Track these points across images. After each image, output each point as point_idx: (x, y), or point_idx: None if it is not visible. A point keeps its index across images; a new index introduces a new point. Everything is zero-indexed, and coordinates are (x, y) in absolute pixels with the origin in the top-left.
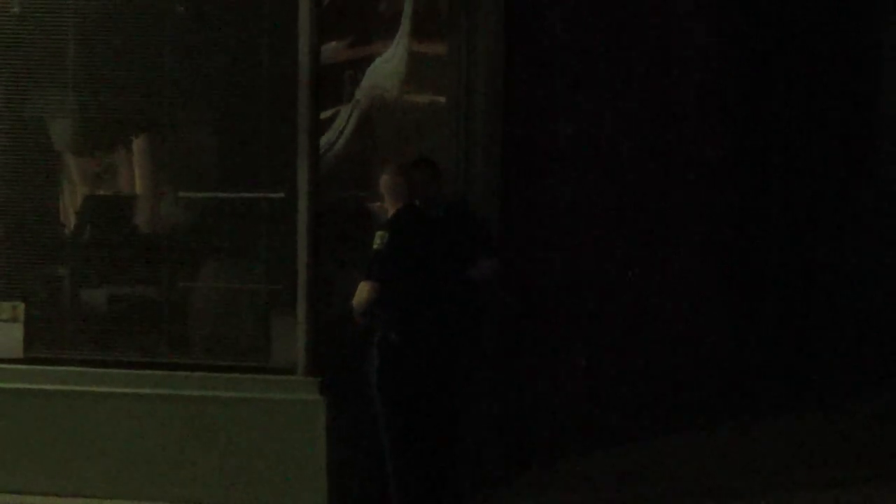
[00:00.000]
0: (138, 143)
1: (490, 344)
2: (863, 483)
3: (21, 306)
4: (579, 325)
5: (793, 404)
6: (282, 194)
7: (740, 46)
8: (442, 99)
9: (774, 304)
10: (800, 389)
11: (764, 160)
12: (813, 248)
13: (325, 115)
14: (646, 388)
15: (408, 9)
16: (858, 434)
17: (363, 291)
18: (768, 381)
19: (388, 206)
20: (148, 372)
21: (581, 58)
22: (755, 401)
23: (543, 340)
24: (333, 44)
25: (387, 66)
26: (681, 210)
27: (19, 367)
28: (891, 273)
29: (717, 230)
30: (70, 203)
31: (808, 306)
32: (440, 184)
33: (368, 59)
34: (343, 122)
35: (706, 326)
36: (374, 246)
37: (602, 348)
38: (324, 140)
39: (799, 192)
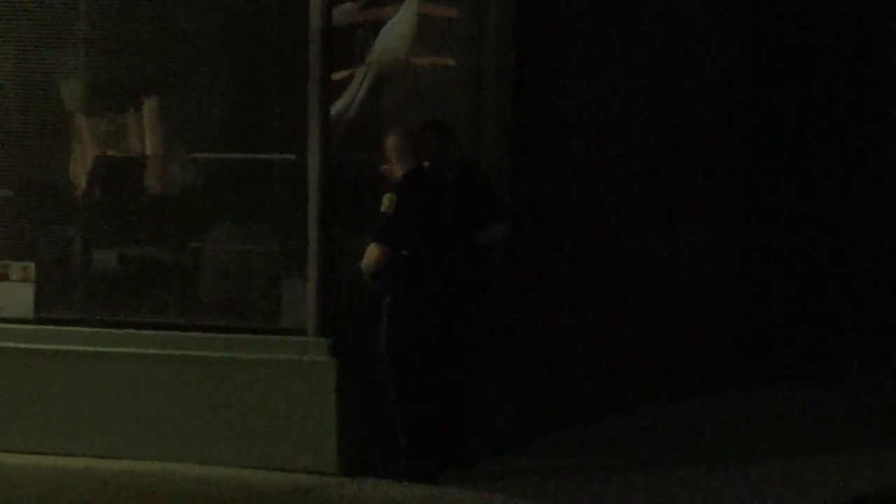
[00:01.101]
0: (149, 105)
1: (499, 308)
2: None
3: (32, 267)
4: (588, 291)
5: (793, 377)
6: (293, 156)
7: (750, 28)
8: (453, 62)
9: (780, 280)
10: (802, 363)
11: (773, 139)
12: (819, 226)
13: (337, 76)
14: (655, 356)
15: None
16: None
17: (371, 254)
18: (772, 355)
19: (394, 169)
20: (158, 333)
21: (595, 27)
22: (758, 373)
23: (551, 306)
24: (345, 5)
25: (397, 28)
26: (688, 184)
27: (30, 327)
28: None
29: (725, 205)
30: (81, 164)
31: (812, 285)
32: (451, 147)
33: (380, 22)
34: (357, 85)
35: (713, 298)
36: (382, 209)
37: (611, 316)
38: (338, 104)
39: (807, 173)
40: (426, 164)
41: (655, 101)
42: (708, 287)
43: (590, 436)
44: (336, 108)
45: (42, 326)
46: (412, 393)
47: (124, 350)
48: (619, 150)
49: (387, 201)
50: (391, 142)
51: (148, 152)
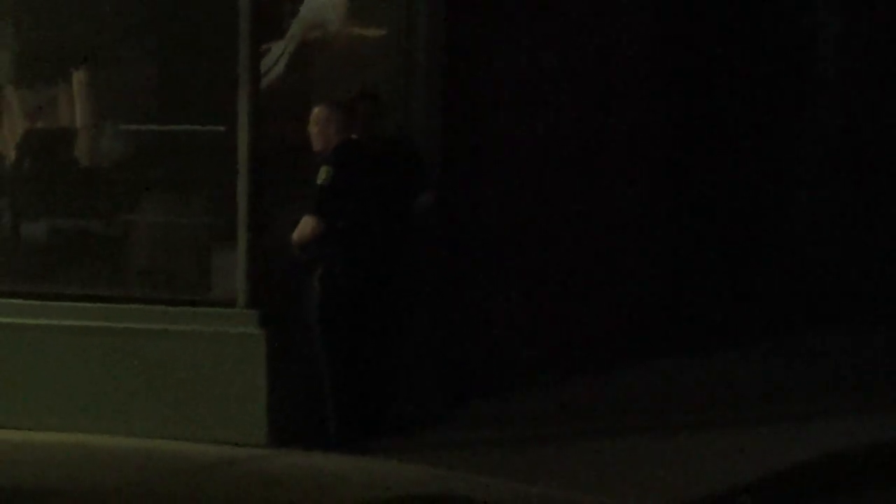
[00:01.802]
0: (78, 76)
1: (428, 278)
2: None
3: None
4: (518, 259)
5: (727, 342)
6: (223, 128)
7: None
8: (383, 31)
9: (713, 243)
10: (734, 328)
11: (701, 107)
12: (745, 193)
13: (266, 47)
14: (584, 323)
15: None
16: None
17: (306, 225)
18: (705, 320)
19: (321, 140)
20: (87, 305)
21: None
22: (692, 338)
23: (482, 275)
24: None
25: None
26: (621, 147)
27: None
28: (820, 216)
29: (658, 168)
30: (10, 136)
31: (746, 247)
32: (382, 118)
33: None
34: (277, 54)
35: (644, 266)
36: (319, 181)
37: (541, 283)
38: (266, 74)
39: (738, 134)
40: (356, 135)
41: (585, 70)
42: (638, 254)
43: (524, 405)
44: (264, 78)
45: None
46: (342, 362)
47: (52, 322)
48: (550, 118)
49: (323, 173)
50: (321, 113)
51: (77, 124)
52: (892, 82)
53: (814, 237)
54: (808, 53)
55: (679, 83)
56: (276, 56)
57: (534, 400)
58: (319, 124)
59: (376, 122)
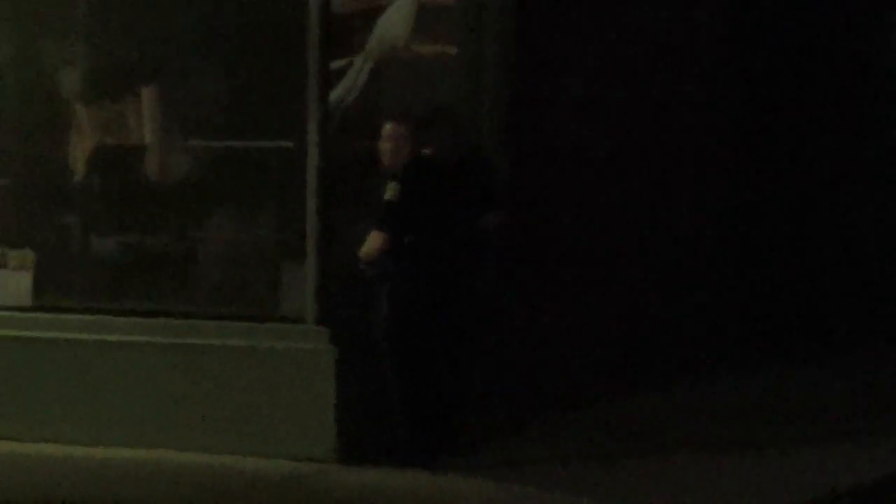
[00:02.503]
0: (148, 92)
1: (496, 293)
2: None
3: (30, 255)
4: (585, 271)
5: (789, 361)
6: (292, 144)
7: (747, 17)
8: (452, 49)
9: (772, 264)
10: (797, 346)
11: (767, 125)
12: (811, 210)
13: (336, 65)
14: (652, 335)
15: None
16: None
17: (374, 241)
18: (767, 339)
19: (391, 156)
20: (156, 320)
21: (595, 15)
22: (754, 357)
23: (550, 289)
24: None
25: (395, 16)
26: (688, 156)
27: (28, 315)
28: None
29: (725, 177)
30: (79, 152)
31: (805, 269)
32: (452, 135)
33: (379, 9)
34: (355, 72)
35: (712, 274)
36: (387, 197)
37: (609, 296)
38: (337, 91)
39: (801, 153)
40: (426, 151)
41: (652, 90)
42: (706, 264)
43: (588, 421)
44: (335, 95)
45: (40, 314)
46: (411, 379)
47: (122, 338)
48: (617, 130)
49: (391, 190)
50: (392, 129)
51: (146, 140)
52: None
53: (884, 245)
54: (877, 57)
55: (746, 90)
56: (347, 72)
57: (604, 414)
58: (390, 140)
59: (447, 138)
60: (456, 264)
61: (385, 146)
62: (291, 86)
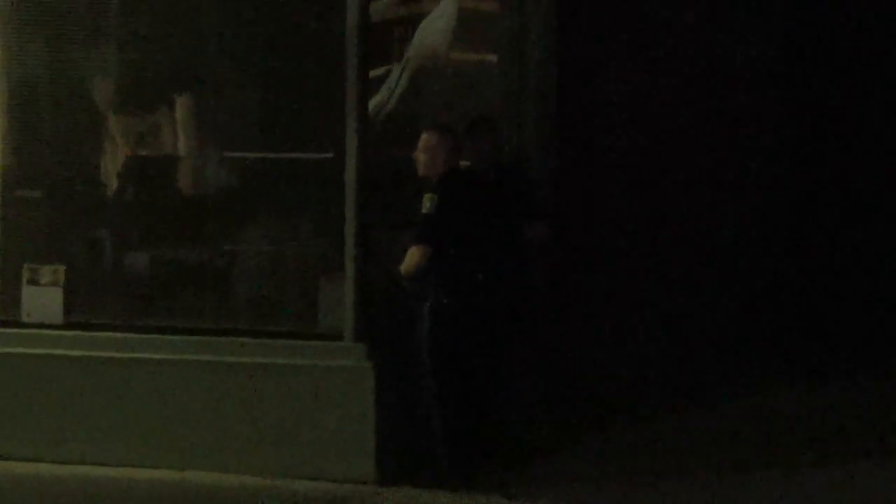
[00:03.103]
0: (182, 103)
1: (540, 306)
2: None
3: (61, 270)
4: (632, 281)
5: (851, 370)
6: (330, 154)
7: (798, 12)
8: (493, 57)
9: (828, 270)
10: (861, 354)
11: (819, 128)
12: (866, 214)
13: (375, 73)
14: (702, 345)
15: None
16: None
17: (413, 256)
18: (826, 348)
19: (429, 167)
20: (191, 338)
21: (638, 18)
22: (812, 367)
23: (595, 301)
24: (383, 0)
25: (437, 24)
26: (737, 159)
27: (59, 332)
28: None
29: (776, 180)
30: (112, 164)
31: (865, 274)
32: (495, 145)
33: (418, 17)
34: (394, 81)
35: (764, 280)
36: (424, 210)
37: (655, 306)
38: (376, 100)
39: (853, 160)
40: (466, 163)
41: (699, 92)
42: (757, 270)
43: (633, 436)
44: (374, 104)
45: (71, 332)
46: (454, 395)
47: (156, 356)
48: (664, 135)
49: (427, 202)
50: (430, 139)
51: (180, 152)
52: None
53: None
54: None
55: (796, 93)
56: (387, 81)
57: (650, 428)
58: (428, 150)
59: (490, 150)
60: (498, 278)
61: (421, 157)
62: (329, 95)
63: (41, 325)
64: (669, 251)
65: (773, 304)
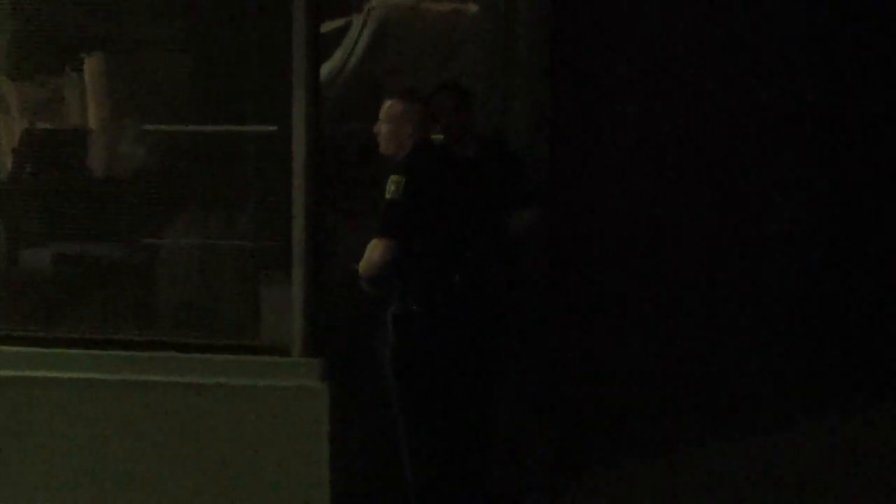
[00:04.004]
0: (92, 65)
1: (532, 315)
2: None
3: None
4: (641, 288)
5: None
6: (274, 127)
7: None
8: (474, 7)
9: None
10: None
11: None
12: None
13: (329, 27)
14: (722, 368)
15: None
16: None
17: (374, 252)
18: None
19: (393, 142)
20: (106, 352)
21: None
22: (863, 391)
23: (597, 310)
24: None
25: None
26: (764, 160)
27: None
28: None
29: (811, 169)
30: (5, 139)
31: None
32: (471, 116)
33: None
34: (354, 37)
35: (798, 290)
36: (388, 195)
37: (670, 320)
38: (331, 62)
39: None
40: (439, 136)
41: (723, 53)
42: (789, 278)
43: (653, 472)
44: (328, 66)
45: None
46: (425, 422)
47: (63, 375)
48: (681, 112)
49: (393, 185)
50: (394, 109)
51: (90, 124)
52: None
53: None
54: None
55: (832, 72)
56: (346, 39)
57: (664, 466)
58: (392, 121)
59: (465, 122)
60: (479, 278)
61: (384, 129)
62: (272, 54)
63: None
64: (694, 248)
65: (827, 312)
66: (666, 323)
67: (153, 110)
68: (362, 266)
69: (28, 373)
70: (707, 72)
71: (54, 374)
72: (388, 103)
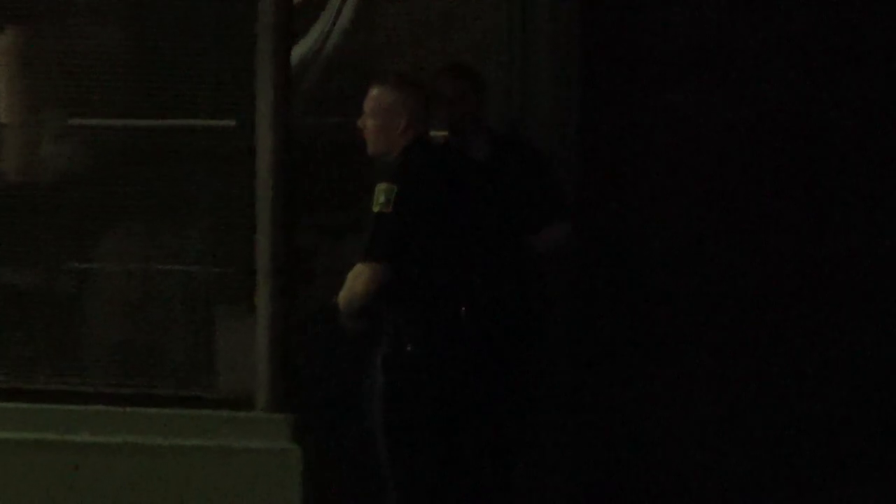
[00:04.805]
0: (3, 43)
1: (559, 351)
2: None
3: None
4: (684, 319)
5: None
6: (232, 123)
7: None
8: None
9: None
10: None
11: None
12: None
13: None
14: (784, 416)
15: None
16: None
17: (359, 279)
18: None
19: (382, 139)
20: (29, 406)
21: None
22: None
23: (637, 343)
24: None
25: None
26: (835, 166)
27: None
28: None
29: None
30: None
31: None
32: (482, 105)
33: None
34: (333, 11)
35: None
36: (376, 207)
37: (729, 356)
38: (304, 41)
39: None
40: (441, 133)
41: (794, 32)
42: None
43: None
44: (301, 46)
45: None
46: (423, 491)
47: None
48: (743, 113)
49: (382, 195)
50: (383, 98)
51: (1, 116)
52: None
53: None
54: None
55: None
56: (324, 13)
57: None
58: (380, 115)
59: (475, 112)
60: (493, 310)
61: (371, 124)
62: (231, 31)
63: None
64: (752, 270)
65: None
66: (721, 366)
67: (81, 101)
68: (344, 297)
69: None
70: (777, 48)
71: None
72: (374, 91)
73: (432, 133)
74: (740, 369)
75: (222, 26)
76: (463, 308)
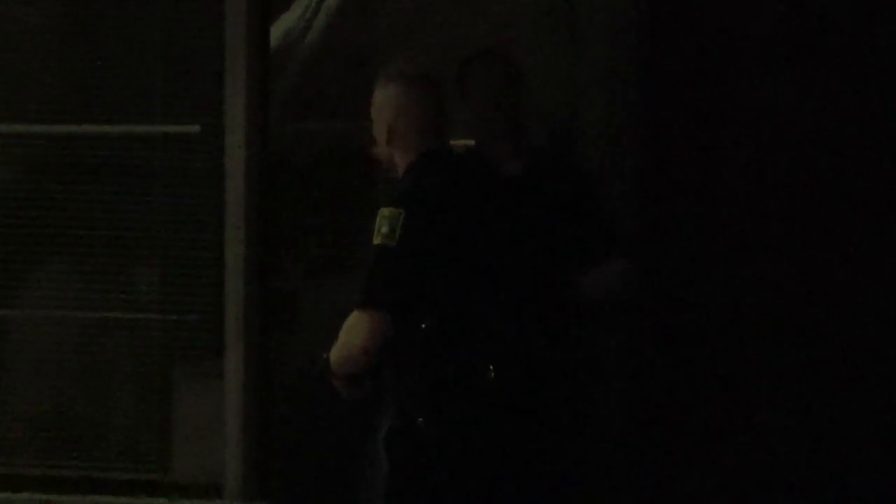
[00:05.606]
0: None
1: (611, 422)
2: None
3: None
4: (768, 370)
5: None
6: (196, 128)
7: None
8: None
9: None
10: None
11: None
12: None
13: None
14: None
15: None
16: None
17: (357, 330)
18: None
19: (385, 152)
20: None
21: None
22: None
23: (706, 399)
24: None
25: None
26: None
27: None
28: None
29: None
30: None
31: None
32: (520, 107)
33: None
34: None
35: None
36: (378, 239)
37: (804, 407)
38: (282, 26)
39: None
40: (467, 142)
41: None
42: None
43: None
44: (279, 31)
45: None
46: None
47: None
48: (811, 147)
49: (385, 223)
50: (390, 97)
51: None
52: None
53: None
54: None
55: None
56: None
57: None
58: (386, 121)
59: (510, 114)
60: (529, 372)
61: (373, 132)
62: (195, 22)
63: None
64: (830, 309)
65: None
66: (809, 421)
67: (23, 104)
68: (337, 354)
69: None
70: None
71: None
72: (377, 92)
73: (452, 142)
74: (828, 431)
75: (184, 17)
76: (490, 368)
